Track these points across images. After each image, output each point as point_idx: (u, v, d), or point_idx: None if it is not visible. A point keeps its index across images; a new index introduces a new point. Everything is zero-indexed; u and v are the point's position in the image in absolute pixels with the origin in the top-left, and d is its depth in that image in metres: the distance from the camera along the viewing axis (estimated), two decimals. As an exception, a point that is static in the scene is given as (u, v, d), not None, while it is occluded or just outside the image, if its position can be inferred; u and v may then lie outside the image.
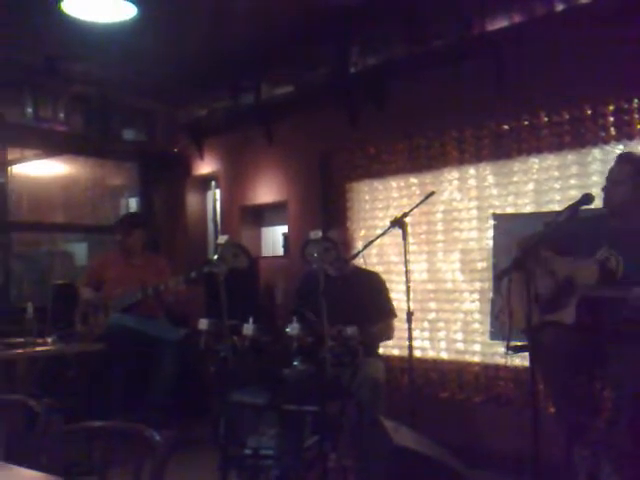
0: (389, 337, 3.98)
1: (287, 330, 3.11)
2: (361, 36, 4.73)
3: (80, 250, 6.56)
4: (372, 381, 3.54)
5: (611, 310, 2.89)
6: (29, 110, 5.36)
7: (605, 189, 3.12)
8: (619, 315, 2.86)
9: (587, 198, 2.95)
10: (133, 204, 6.65)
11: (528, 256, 2.88)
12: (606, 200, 3.12)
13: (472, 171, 4.30)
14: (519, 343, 3.07)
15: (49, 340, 4.40)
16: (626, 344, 2.81)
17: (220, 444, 3.14)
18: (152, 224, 5.96)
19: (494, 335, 3.97)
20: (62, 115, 5.56)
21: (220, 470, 3.06)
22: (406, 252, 3.45)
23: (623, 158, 3.15)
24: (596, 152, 3.73)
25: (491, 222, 4.13)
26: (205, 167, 6.25)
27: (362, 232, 4.90)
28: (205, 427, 4.62)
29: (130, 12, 4.00)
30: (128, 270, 4.78)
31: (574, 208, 2.91)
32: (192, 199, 6.50)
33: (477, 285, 4.24)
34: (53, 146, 5.78)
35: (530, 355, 2.92)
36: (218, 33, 4.69)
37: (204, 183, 6.51)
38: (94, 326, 4.63)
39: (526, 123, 4.00)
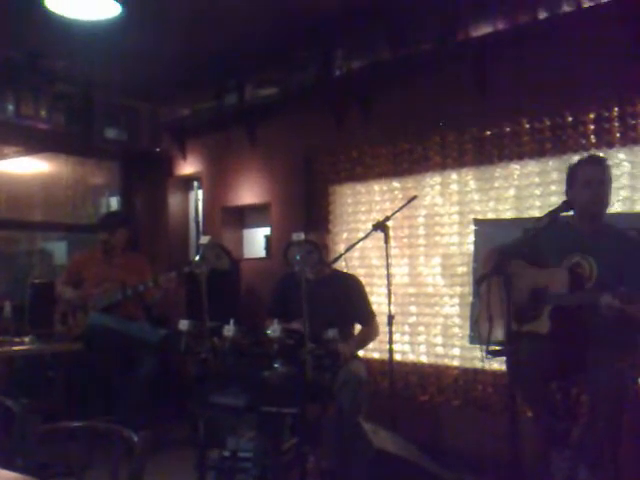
0: (376, 336, 3.99)
1: (268, 332, 3.10)
2: (345, 40, 4.74)
3: (59, 249, 6.50)
4: (356, 379, 3.52)
5: (584, 317, 2.91)
6: (10, 107, 5.30)
7: (591, 190, 3.07)
8: (592, 321, 2.89)
9: (567, 205, 2.98)
10: (114, 203, 6.61)
11: (508, 261, 2.90)
12: (592, 200, 3.07)
13: (454, 176, 4.32)
14: (498, 348, 3.08)
15: (27, 339, 4.36)
16: (600, 348, 2.84)
17: (199, 445, 3.13)
18: (134, 223, 5.93)
19: (473, 339, 3.99)
20: (44, 112, 5.50)
21: (198, 471, 3.05)
22: (388, 256, 3.46)
23: (601, 160, 3.18)
24: (576, 159, 3.76)
25: (472, 227, 4.16)
26: (188, 167, 6.23)
27: (344, 235, 4.91)
28: (184, 428, 4.60)
29: (114, 10, 3.98)
30: (109, 269, 4.74)
31: (554, 215, 2.93)
32: (174, 199, 6.46)
33: (457, 289, 4.27)
34: (34, 144, 5.72)
35: (507, 363, 2.93)
36: (202, 34, 4.68)
37: (186, 183, 6.48)
38: (73, 326, 4.59)
39: (508, 129, 4.03)
